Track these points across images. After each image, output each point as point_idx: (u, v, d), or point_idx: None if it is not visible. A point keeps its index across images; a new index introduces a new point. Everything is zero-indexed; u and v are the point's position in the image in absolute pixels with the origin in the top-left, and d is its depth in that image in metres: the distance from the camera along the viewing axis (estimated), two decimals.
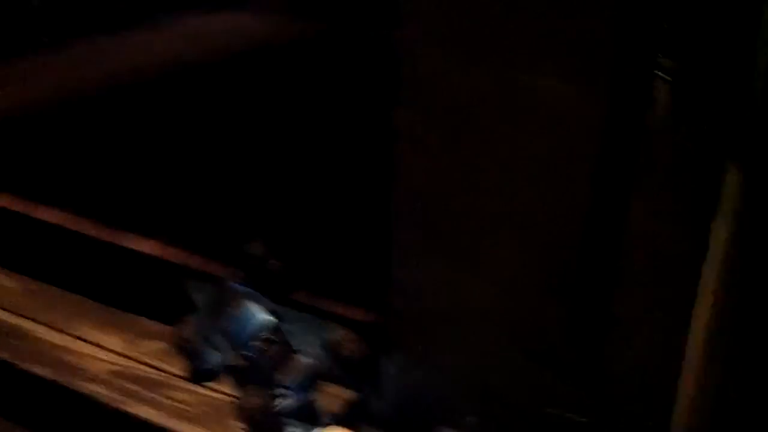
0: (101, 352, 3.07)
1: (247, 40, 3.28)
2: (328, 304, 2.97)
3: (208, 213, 3.35)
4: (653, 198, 2.23)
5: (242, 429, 2.48)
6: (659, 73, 2.02)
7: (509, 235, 2.48)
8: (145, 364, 3.02)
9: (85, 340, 3.13)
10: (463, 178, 2.51)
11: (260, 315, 2.53)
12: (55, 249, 3.43)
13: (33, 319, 3.24)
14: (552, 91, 2.23)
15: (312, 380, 2.55)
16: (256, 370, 2.49)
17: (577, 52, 2.19)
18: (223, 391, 2.80)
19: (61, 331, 3.17)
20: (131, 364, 3.01)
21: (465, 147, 2.46)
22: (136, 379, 2.93)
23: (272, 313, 2.56)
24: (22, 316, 3.25)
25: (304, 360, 2.53)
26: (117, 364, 3.01)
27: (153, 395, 2.85)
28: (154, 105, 3.42)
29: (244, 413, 2.47)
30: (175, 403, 2.82)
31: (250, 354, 2.49)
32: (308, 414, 2.50)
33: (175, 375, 2.92)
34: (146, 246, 3.26)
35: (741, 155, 1.96)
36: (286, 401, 2.47)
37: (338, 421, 2.55)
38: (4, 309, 3.29)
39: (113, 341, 3.13)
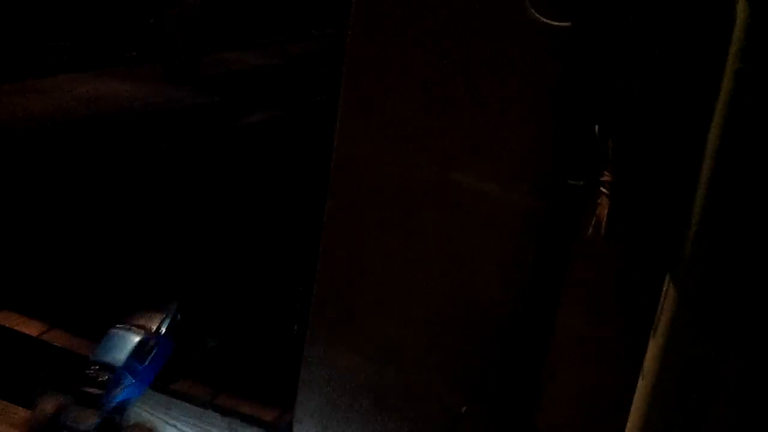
0: None
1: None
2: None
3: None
4: (580, 311, 2.22)
5: None
6: (599, 187, 2.04)
7: (430, 334, 2.42)
8: None
9: None
10: (386, 269, 2.44)
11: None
12: None
13: None
14: (492, 195, 2.21)
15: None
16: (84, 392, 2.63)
17: (520, 160, 2.19)
18: None
19: None
20: None
21: (394, 238, 2.40)
22: None
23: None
24: None
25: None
26: None
27: None
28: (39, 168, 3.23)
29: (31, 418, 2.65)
30: None
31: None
32: None
33: None
34: (29, 327, 2.98)
35: (677, 271, 1.97)
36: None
37: None
38: None
39: None
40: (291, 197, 3.25)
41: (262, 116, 5.51)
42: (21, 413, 2.92)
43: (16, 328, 2.98)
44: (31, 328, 2.99)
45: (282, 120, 5.40)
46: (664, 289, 2.00)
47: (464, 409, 2.31)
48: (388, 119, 2.33)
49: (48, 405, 2.60)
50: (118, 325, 2.70)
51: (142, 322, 2.71)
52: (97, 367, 2.60)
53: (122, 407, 2.61)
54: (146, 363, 2.66)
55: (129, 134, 4.23)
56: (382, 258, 2.43)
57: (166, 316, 2.76)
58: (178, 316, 2.80)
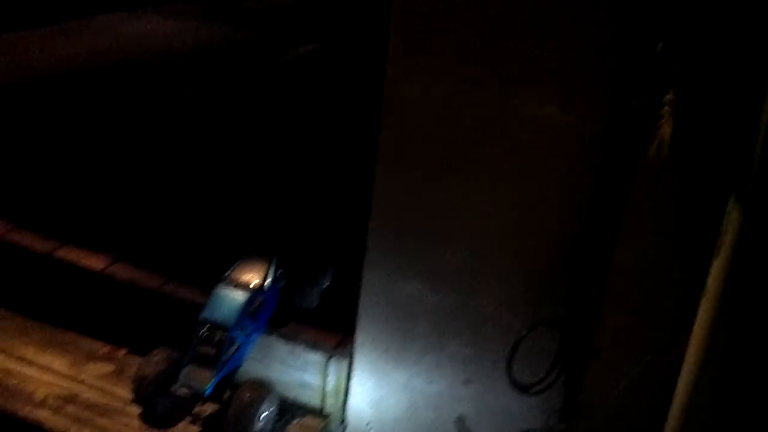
0: (47, 374, 2.87)
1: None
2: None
3: (159, 229, 3.20)
4: (642, 231, 2.23)
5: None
6: (661, 105, 2.02)
7: (491, 263, 2.45)
8: (93, 387, 2.83)
9: (29, 363, 2.91)
10: (444, 202, 2.46)
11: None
12: None
13: None
14: (551, 121, 2.20)
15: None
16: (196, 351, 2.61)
17: (581, 82, 2.16)
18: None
19: (2, 352, 2.95)
20: (78, 387, 2.83)
21: (451, 172, 2.41)
22: (84, 404, 2.74)
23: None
24: None
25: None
26: (63, 388, 2.81)
27: (102, 420, 2.67)
28: (103, 108, 3.26)
29: (137, 372, 2.64)
30: (125, 430, 2.65)
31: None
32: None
33: (123, 400, 2.75)
34: (94, 261, 3.06)
35: (742, 192, 1.96)
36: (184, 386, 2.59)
37: None
38: None
39: (59, 363, 2.93)
40: (342, 129, 3.24)
41: (305, 50, 5.50)
42: (91, 344, 3.04)
43: (80, 262, 3.05)
44: (95, 262, 3.05)
45: (326, 53, 5.37)
46: (728, 210, 2.00)
47: (525, 332, 2.34)
48: (442, 53, 2.31)
49: (160, 360, 2.64)
50: (223, 284, 2.69)
51: (247, 279, 2.70)
52: (209, 327, 2.60)
53: (237, 365, 2.66)
54: (255, 319, 2.69)
55: (175, 72, 4.25)
56: (439, 191, 2.44)
57: (269, 270, 2.75)
58: (280, 270, 2.79)
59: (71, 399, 2.77)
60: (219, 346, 2.59)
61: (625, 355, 2.34)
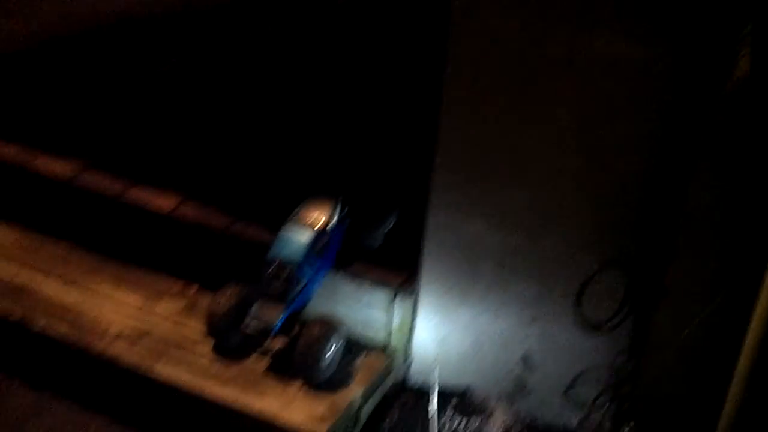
0: (120, 310, 2.96)
1: None
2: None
3: (229, 169, 3.23)
4: (718, 169, 2.17)
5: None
6: (739, 38, 1.95)
7: (561, 202, 2.42)
8: (166, 322, 2.92)
9: (103, 299, 3.01)
10: (513, 139, 2.43)
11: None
12: (66, 203, 3.28)
13: (46, 275, 3.10)
14: (623, 58, 2.14)
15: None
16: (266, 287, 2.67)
17: (651, 18, 2.09)
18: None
19: (77, 287, 3.05)
20: (152, 322, 2.91)
21: (523, 109, 2.37)
22: (158, 338, 2.83)
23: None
24: (33, 270, 3.12)
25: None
26: (137, 323, 2.90)
27: (176, 353, 2.76)
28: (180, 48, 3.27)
29: (209, 307, 2.71)
30: (199, 362, 2.73)
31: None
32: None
33: (195, 334, 2.82)
34: (164, 201, 3.11)
35: None
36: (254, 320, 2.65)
37: None
38: (14, 263, 3.15)
39: (132, 299, 3.02)
40: (406, 66, 3.19)
41: None
42: (167, 283, 3.12)
43: (150, 203, 3.10)
44: (165, 202, 3.11)
45: None
46: None
47: (594, 270, 2.32)
48: None
49: (231, 296, 2.70)
50: (290, 223, 2.73)
51: (313, 218, 2.73)
52: (277, 265, 2.65)
53: (303, 302, 2.71)
54: (321, 257, 2.73)
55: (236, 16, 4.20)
56: (506, 128, 2.40)
57: (334, 210, 2.78)
58: (345, 209, 2.82)
59: (145, 333, 2.85)
60: (287, 283, 2.65)
61: (696, 295, 2.31)
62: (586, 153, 2.31)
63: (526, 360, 2.67)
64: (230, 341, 2.75)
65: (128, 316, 2.93)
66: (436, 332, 2.81)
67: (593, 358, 2.52)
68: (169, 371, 2.69)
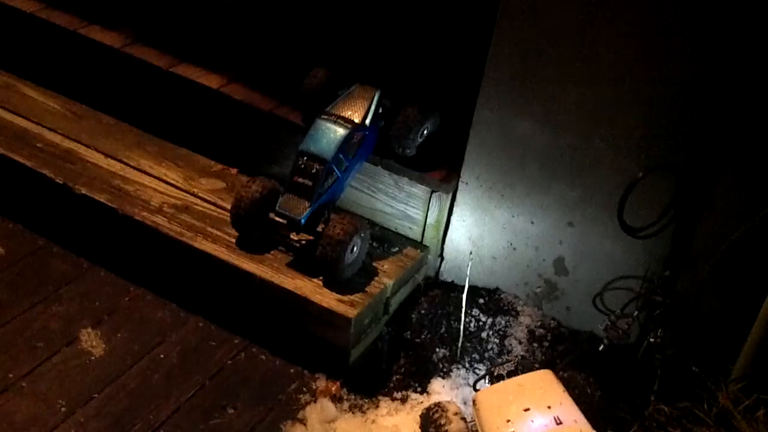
0: (161, 185, 3.00)
1: None
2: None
3: (275, 49, 3.20)
4: None
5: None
6: None
7: (610, 104, 2.39)
8: (205, 200, 2.95)
9: (145, 172, 3.04)
10: (568, 40, 2.38)
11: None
12: (111, 74, 3.29)
13: (89, 146, 3.14)
14: None
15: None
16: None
17: None
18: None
19: (119, 160, 3.08)
20: (192, 199, 2.95)
21: (576, 5, 2.32)
22: (197, 214, 2.87)
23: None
24: (76, 141, 3.16)
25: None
26: (177, 198, 2.94)
27: (213, 230, 2.80)
28: None
29: (235, 198, 2.67)
30: (234, 240, 2.77)
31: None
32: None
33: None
34: (212, 78, 3.11)
35: None
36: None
37: None
38: (57, 132, 3.18)
39: (173, 176, 3.05)
40: None
41: None
42: (204, 161, 3.14)
43: (197, 80, 3.10)
44: (212, 81, 3.10)
45: None
46: None
47: (641, 175, 2.30)
48: None
49: (259, 187, 2.66)
50: (324, 116, 2.65)
51: (348, 113, 2.65)
52: (306, 158, 2.59)
53: (332, 199, 2.66)
54: (353, 155, 2.66)
55: None
56: (561, 26, 2.35)
57: (371, 106, 2.68)
58: (381, 107, 2.72)
59: (184, 209, 2.89)
60: (316, 178, 2.60)
61: (740, 209, 2.29)
62: (644, 56, 2.26)
63: (558, 264, 2.68)
64: (253, 234, 2.74)
65: (169, 191, 2.97)
66: (471, 231, 2.82)
67: (628, 265, 2.52)
68: (206, 246, 2.73)
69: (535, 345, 2.70)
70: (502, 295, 2.84)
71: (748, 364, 2.28)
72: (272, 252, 2.74)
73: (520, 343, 2.71)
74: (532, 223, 2.69)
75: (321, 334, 2.60)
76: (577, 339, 2.66)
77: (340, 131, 2.64)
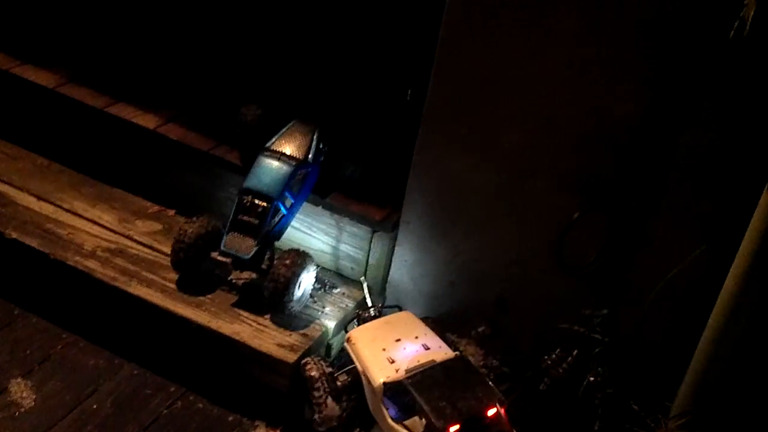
0: (95, 228, 2.92)
1: None
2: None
3: (212, 88, 3.17)
4: (711, 115, 2.15)
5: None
6: None
7: (550, 144, 2.40)
8: (141, 243, 2.88)
9: (78, 215, 2.96)
10: (508, 75, 2.39)
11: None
12: (45, 114, 3.22)
13: (21, 188, 3.05)
14: None
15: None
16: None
17: None
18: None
19: (52, 203, 3.00)
20: (126, 242, 2.88)
21: (518, 45, 2.34)
22: (132, 258, 2.80)
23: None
24: (7, 183, 3.07)
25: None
26: (112, 242, 2.86)
27: (148, 274, 2.73)
28: None
29: (177, 236, 2.63)
30: (170, 284, 2.70)
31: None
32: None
33: (168, 260, 2.78)
34: (148, 119, 3.06)
35: None
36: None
37: None
38: None
39: (108, 218, 2.98)
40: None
41: None
42: (140, 203, 3.07)
43: (133, 120, 3.05)
44: (148, 121, 3.05)
45: None
46: None
47: (576, 215, 2.32)
48: None
49: (202, 225, 2.62)
50: (266, 153, 2.63)
51: (291, 149, 2.64)
52: (251, 196, 2.57)
53: (276, 235, 2.65)
54: (297, 191, 2.66)
55: None
56: (504, 64, 2.37)
57: (312, 141, 2.68)
58: (322, 145, 2.73)
59: (119, 252, 2.82)
60: (261, 215, 2.58)
61: (677, 244, 2.31)
62: (581, 94, 2.28)
63: (502, 302, 2.67)
64: (194, 274, 2.69)
65: (103, 234, 2.89)
66: (413, 270, 2.80)
67: (569, 303, 2.52)
68: (140, 291, 2.66)
69: None
70: (445, 335, 2.81)
71: (687, 400, 2.30)
72: (210, 295, 2.68)
73: None
74: (474, 261, 2.68)
75: (261, 380, 2.55)
76: (520, 378, 2.64)
77: (285, 168, 2.62)
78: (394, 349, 2.36)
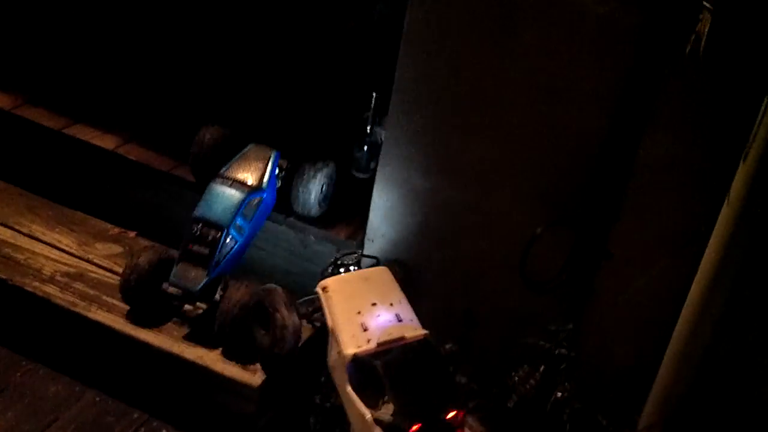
0: (54, 252, 2.86)
1: None
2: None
3: (172, 108, 3.13)
4: (671, 128, 2.16)
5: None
6: (702, 1, 1.94)
7: (512, 160, 2.40)
8: (101, 267, 2.83)
9: (36, 239, 2.90)
10: (473, 88, 2.38)
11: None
12: (1, 138, 3.15)
13: None
14: (589, 9, 2.11)
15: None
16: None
17: None
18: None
19: (9, 227, 2.94)
20: (86, 266, 2.82)
21: (484, 58, 2.33)
22: (91, 282, 2.74)
23: None
24: None
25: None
26: (71, 266, 2.81)
27: (108, 299, 2.67)
28: None
29: (125, 268, 2.53)
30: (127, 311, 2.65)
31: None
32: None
33: None
34: (106, 140, 3.01)
35: None
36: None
37: None
38: None
39: (67, 241, 2.92)
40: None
41: None
42: (100, 225, 3.02)
43: (91, 141, 3.00)
44: (107, 141, 3.00)
45: None
46: (761, 111, 1.94)
47: (539, 230, 2.31)
48: None
49: (150, 256, 2.51)
50: (218, 180, 2.54)
51: (244, 175, 2.55)
52: (202, 225, 2.47)
53: (229, 265, 2.54)
54: (252, 219, 2.55)
55: None
56: (469, 76, 2.36)
57: (267, 167, 2.60)
58: (278, 170, 2.66)
59: (78, 276, 2.76)
60: (213, 245, 2.48)
61: (640, 259, 2.32)
62: (544, 109, 2.28)
63: (467, 318, 2.66)
64: (145, 306, 2.58)
65: (62, 258, 2.83)
66: None
67: (535, 319, 2.51)
68: (101, 316, 2.61)
69: None
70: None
71: (654, 414, 2.30)
72: (173, 319, 2.63)
73: None
74: (440, 278, 2.67)
75: (226, 405, 2.50)
76: (488, 395, 2.62)
77: (237, 195, 2.54)
78: (369, 314, 2.31)
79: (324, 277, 2.52)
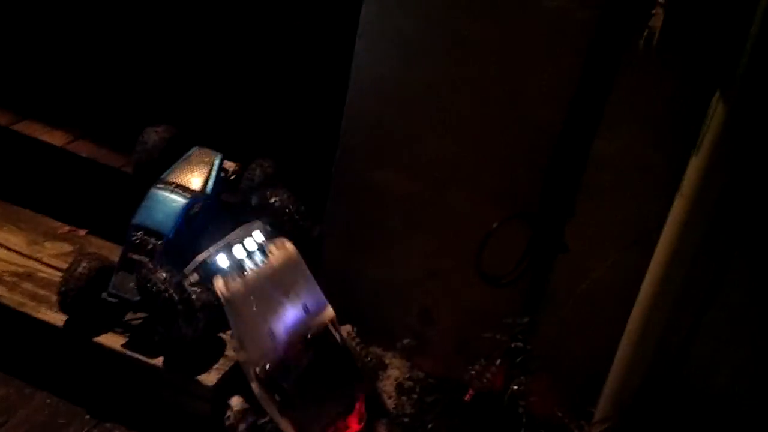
0: (2, 251, 2.79)
1: None
2: None
3: (121, 104, 3.07)
4: (624, 122, 2.18)
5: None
6: None
7: (468, 155, 2.40)
8: (51, 266, 2.76)
9: None
10: (431, 85, 2.38)
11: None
12: None
13: None
14: (543, 4, 2.12)
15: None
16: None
17: None
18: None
19: None
20: (35, 266, 2.75)
21: (437, 51, 2.33)
22: (41, 282, 2.68)
23: None
24: None
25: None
26: (19, 265, 2.74)
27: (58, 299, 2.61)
28: None
29: (63, 278, 2.41)
30: None
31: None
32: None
33: None
34: (56, 136, 2.94)
35: (728, 92, 1.92)
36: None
37: None
38: None
39: (15, 240, 2.84)
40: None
41: None
42: (49, 223, 2.95)
43: (40, 137, 2.93)
44: (56, 138, 2.94)
45: None
46: (712, 107, 1.96)
47: (495, 225, 2.32)
48: None
49: (89, 265, 2.39)
50: (159, 185, 2.43)
51: (186, 180, 2.43)
52: (142, 233, 2.37)
53: None
54: (193, 227, 2.45)
55: None
56: (417, 76, 2.36)
57: (211, 171, 2.49)
58: (222, 173, 2.55)
59: (27, 276, 2.70)
60: (152, 254, 2.37)
61: (594, 252, 2.34)
62: (501, 104, 2.29)
63: (424, 313, 2.66)
64: (84, 317, 2.48)
65: (11, 258, 2.76)
66: (336, 284, 2.76)
67: (492, 313, 2.52)
68: (50, 317, 2.54)
69: (404, 398, 2.65)
70: (370, 349, 2.78)
71: (609, 405, 2.32)
72: (102, 336, 2.49)
73: (390, 397, 2.66)
74: (398, 273, 2.66)
75: (180, 405, 2.46)
76: (445, 389, 2.63)
77: (179, 201, 2.42)
78: (276, 317, 2.29)
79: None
